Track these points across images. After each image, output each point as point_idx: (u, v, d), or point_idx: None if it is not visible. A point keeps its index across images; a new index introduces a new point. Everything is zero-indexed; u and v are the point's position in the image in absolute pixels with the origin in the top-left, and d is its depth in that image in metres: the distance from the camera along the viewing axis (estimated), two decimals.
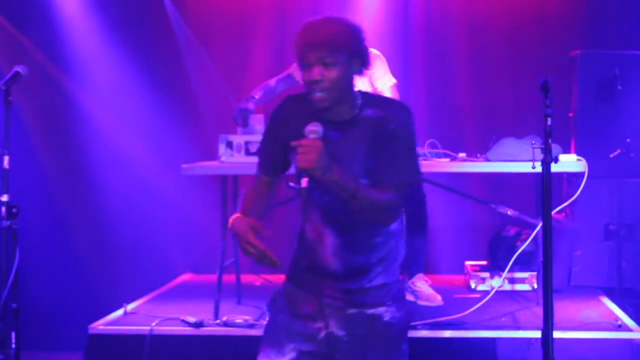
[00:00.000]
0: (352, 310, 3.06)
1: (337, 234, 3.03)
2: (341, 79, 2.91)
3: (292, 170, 3.09)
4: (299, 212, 3.14)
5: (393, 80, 5.67)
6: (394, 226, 3.06)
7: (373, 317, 3.06)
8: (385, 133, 2.95)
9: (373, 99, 3.07)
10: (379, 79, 5.63)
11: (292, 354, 3.04)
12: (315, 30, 2.93)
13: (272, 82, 5.69)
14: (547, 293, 3.29)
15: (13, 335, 4.12)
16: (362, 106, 3.00)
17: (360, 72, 2.99)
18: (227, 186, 5.38)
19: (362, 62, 2.98)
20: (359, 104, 3.00)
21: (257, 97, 5.55)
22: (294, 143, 2.83)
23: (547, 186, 3.28)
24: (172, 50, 7.04)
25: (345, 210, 2.93)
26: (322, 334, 3.06)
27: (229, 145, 5.22)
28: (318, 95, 2.89)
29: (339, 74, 2.90)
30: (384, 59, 5.66)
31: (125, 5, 6.99)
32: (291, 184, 2.92)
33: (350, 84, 2.97)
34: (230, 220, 2.95)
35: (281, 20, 7.07)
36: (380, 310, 3.06)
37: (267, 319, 3.21)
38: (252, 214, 3.00)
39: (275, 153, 3.11)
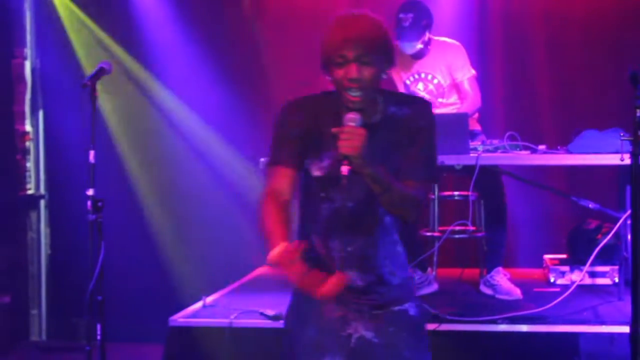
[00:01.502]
0: (377, 311, 3.02)
1: (345, 243, 2.97)
2: (376, 78, 2.87)
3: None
4: (300, 214, 3.06)
5: (472, 72, 5.64)
6: (388, 220, 3.00)
7: (399, 313, 3.03)
8: (412, 131, 2.93)
9: (394, 96, 3.04)
10: (458, 70, 5.61)
11: None
12: (354, 27, 2.86)
13: None
14: (636, 287, 3.23)
15: (99, 327, 4.19)
16: (385, 105, 2.97)
17: (386, 72, 2.93)
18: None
19: (390, 62, 2.93)
20: (382, 104, 2.97)
21: None
22: (335, 129, 2.74)
23: (637, 179, 3.21)
24: (249, 46, 7.09)
25: (357, 213, 2.89)
26: (353, 340, 3.01)
27: None
28: (354, 94, 2.84)
29: (374, 73, 2.85)
30: (463, 50, 5.63)
31: (204, 4, 7.06)
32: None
33: (380, 83, 2.92)
34: (271, 258, 2.72)
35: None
36: (405, 305, 3.05)
37: (290, 334, 3.13)
38: (284, 237, 2.80)
39: (298, 145, 2.97)
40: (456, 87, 5.75)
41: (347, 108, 2.86)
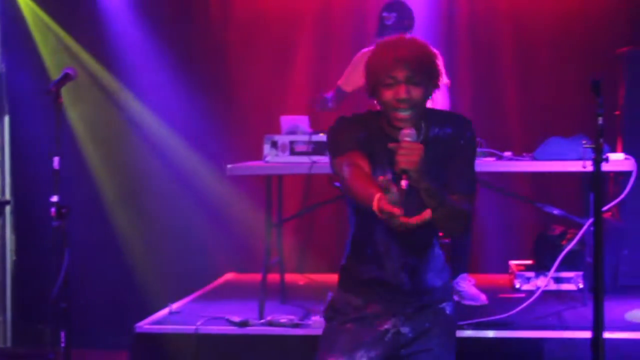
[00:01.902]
0: (417, 311, 3.12)
1: (404, 248, 3.06)
2: (423, 99, 2.96)
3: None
4: (350, 219, 3.15)
5: (446, 81, 5.69)
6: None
7: (437, 311, 3.13)
8: (455, 148, 3.02)
9: (437, 115, 3.10)
10: None
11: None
12: (404, 48, 2.93)
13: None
14: (598, 293, 3.26)
15: (63, 334, 4.16)
16: (428, 125, 3.04)
17: (433, 92, 3.02)
18: (271, 186, 5.40)
19: (436, 84, 3.01)
20: (425, 123, 3.04)
21: (329, 96, 5.72)
22: (392, 145, 2.77)
23: (599, 186, 3.25)
24: (217, 52, 7.08)
25: (413, 230, 2.80)
26: (389, 335, 3.11)
27: (274, 145, 5.24)
28: (403, 114, 2.92)
29: (422, 94, 2.94)
30: (440, 58, 5.68)
31: (171, 8, 7.05)
32: (336, 183, 2.98)
33: (425, 104, 3.00)
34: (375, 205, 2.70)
35: (325, 22, 7.08)
36: (444, 304, 3.16)
37: (327, 326, 3.19)
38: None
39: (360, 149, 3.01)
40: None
41: (395, 127, 2.93)
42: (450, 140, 3.03)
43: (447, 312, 3.16)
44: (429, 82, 2.97)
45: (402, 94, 2.89)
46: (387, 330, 3.10)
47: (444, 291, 3.17)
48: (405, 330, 3.10)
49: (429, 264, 3.12)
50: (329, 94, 5.74)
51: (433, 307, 3.13)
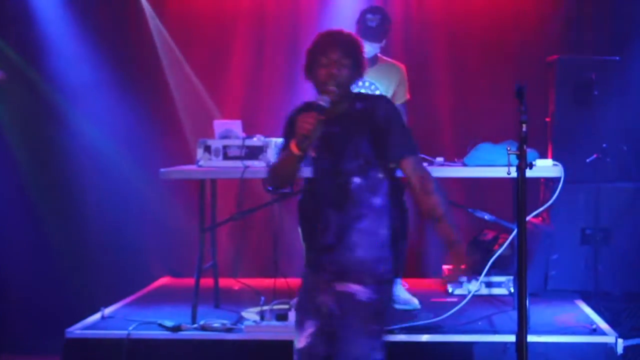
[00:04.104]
0: (339, 287, 3.50)
1: (332, 210, 3.51)
2: (350, 79, 3.53)
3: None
4: (300, 201, 3.71)
5: (407, 96, 5.81)
6: (377, 201, 3.56)
7: (351, 295, 3.46)
8: (378, 120, 3.52)
9: (361, 95, 3.70)
10: (400, 91, 5.81)
11: (311, 329, 3.53)
12: (340, 35, 3.56)
13: None
14: (522, 297, 3.31)
15: None
16: (353, 101, 3.59)
17: (358, 79, 3.59)
18: (204, 190, 5.39)
19: (360, 74, 3.59)
20: (350, 100, 3.58)
21: None
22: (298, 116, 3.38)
23: (522, 192, 3.30)
24: (150, 54, 7.03)
25: (343, 192, 3.50)
26: (325, 308, 3.53)
27: (207, 149, 5.24)
28: (332, 88, 3.46)
29: (350, 75, 3.52)
30: (406, 73, 5.81)
31: (103, 9, 6.99)
32: (269, 188, 3.63)
33: (351, 86, 3.57)
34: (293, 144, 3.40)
35: (260, 23, 7.08)
36: (357, 288, 3.46)
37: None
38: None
39: None
40: None
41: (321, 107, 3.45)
42: (371, 113, 3.54)
43: (360, 298, 3.45)
44: (356, 68, 3.54)
45: (334, 70, 3.46)
46: (322, 303, 3.53)
47: (362, 271, 3.48)
48: (333, 307, 3.50)
49: (353, 227, 3.49)
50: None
51: (348, 288, 3.47)
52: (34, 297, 6.72)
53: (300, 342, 3.55)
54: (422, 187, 3.54)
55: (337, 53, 3.48)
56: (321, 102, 3.40)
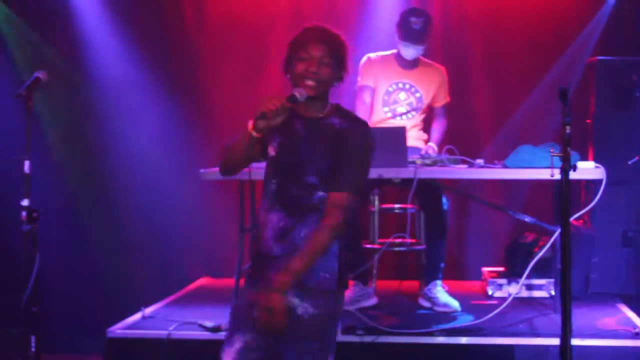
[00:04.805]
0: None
1: (281, 218, 3.25)
2: (329, 78, 3.27)
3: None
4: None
5: (448, 99, 5.81)
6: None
7: (290, 310, 3.17)
8: (347, 145, 3.23)
9: (342, 110, 3.35)
10: (441, 94, 5.90)
11: (238, 344, 3.28)
12: (321, 31, 3.31)
13: (364, 100, 5.82)
14: (565, 300, 3.29)
15: (33, 338, 4.14)
16: (330, 113, 3.32)
17: (338, 83, 3.33)
18: (244, 191, 5.40)
19: (341, 76, 3.33)
20: (328, 111, 3.32)
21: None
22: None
23: (566, 194, 3.28)
24: (190, 56, 7.07)
25: (296, 196, 3.23)
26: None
27: None
28: (310, 82, 3.22)
29: (329, 76, 3.27)
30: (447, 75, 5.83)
31: (144, 11, 7.03)
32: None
33: (329, 88, 3.32)
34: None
35: (297, 26, 7.04)
36: (295, 302, 3.19)
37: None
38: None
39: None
40: (430, 108, 5.94)
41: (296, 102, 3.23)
42: (343, 134, 3.25)
43: (298, 312, 3.19)
44: (337, 69, 3.29)
45: (313, 67, 3.22)
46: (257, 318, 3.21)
47: (302, 285, 3.19)
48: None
49: (299, 243, 3.20)
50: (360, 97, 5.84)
51: (288, 303, 3.17)
52: (75, 297, 6.79)
53: (227, 358, 3.31)
54: (321, 223, 3.19)
55: (320, 50, 3.25)
56: (296, 93, 3.20)
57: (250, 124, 3.18)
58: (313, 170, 3.23)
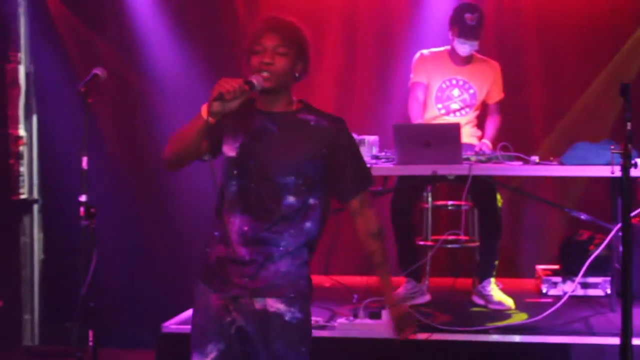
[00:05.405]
0: (258, 306, 3.15)
1: (245, 221, 3.15)
2: (287, 70, 3.15)
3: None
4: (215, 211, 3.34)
5: (502, 95, 5.76)
6: (308, 225, 3.19)
7: (275, 316, 3.13)
8: (335, 147, 3.18)
9: (313, 108, 3.28)
10: (495, 90, 5.88)
11: (213, 354, 3.16)
12: (278, 21, 3.19)
13: (417, 97, 5.80)
14: (626, 299, 3.24)
15: (91, 333, 4.18)
16: (301, 109, 3.23)
17: (299, 77, 3.24)
18: None
19: (304, 68, 3.24)
20: (295, 106, 3.24)
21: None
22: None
23: (627, 191, 3.23)
24: (245, 55, 7.08)
25: (262, 198, 3.12)
26: (233, 328, 3.16)
27: None
28: (265, 74, 3.10)
29: (287, 65, 3.15)
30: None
31: (198, 7, 7.07)
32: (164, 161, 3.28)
33: (290, 80, 3.20)
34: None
35: (351, 22, 7.09)
36: (282, 309, 3.14)
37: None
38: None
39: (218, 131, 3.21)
40: (484, 105, 5.91)
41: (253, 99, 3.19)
42: (324, 134, 3.18)
43: (286, 318, 3.14)
44: (296, 58, 3.18)
45: (267, 59, 3.11)
46: (230, 324, 3.17)
47: (285, 287, 3.16)
48: (249, 328, 3.16)
49: (274, 245, 3.14)
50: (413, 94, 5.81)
51: (270, 308, 3.13)
52: (131, 292, 6.88)
53: None
54: (365, 229, 3.26)
55: (273, 40, 3.12)
56: (253, 80, 3.07)
57: (204, 107, 3.05)
58: (289, 169, 3.13)
